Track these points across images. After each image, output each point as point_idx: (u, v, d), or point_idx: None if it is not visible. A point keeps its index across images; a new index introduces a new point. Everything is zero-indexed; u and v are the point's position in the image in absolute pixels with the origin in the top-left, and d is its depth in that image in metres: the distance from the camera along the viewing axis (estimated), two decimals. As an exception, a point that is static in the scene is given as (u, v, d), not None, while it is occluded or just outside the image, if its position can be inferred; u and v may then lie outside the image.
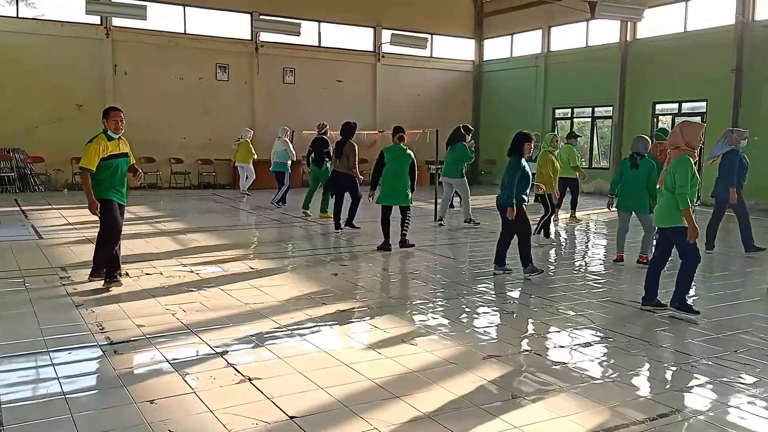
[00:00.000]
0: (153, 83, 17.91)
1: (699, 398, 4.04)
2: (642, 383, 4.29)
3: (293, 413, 3.62)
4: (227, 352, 4.66)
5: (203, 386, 4.01)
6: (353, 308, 5.97)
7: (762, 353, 4.84)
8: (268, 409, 3.68)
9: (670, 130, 11.70)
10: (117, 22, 17.34)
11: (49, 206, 13.48)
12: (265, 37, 19.41)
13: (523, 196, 7.30)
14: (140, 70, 17.84)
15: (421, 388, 4.04)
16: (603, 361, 4.69)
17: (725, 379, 4.31)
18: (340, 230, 10.60)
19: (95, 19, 17.12)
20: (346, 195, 10.81)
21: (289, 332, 5.18)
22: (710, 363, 4.64)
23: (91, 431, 3.38)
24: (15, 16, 16.62)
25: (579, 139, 13.32)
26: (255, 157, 16.04)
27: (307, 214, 12.47)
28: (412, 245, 9.08)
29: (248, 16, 19.20)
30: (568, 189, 12.21)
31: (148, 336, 4.99)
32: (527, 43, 21.88)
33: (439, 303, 6.35)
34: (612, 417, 3.67)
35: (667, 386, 4.27)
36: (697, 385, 4.24)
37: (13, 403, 3.76)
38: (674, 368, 4.55)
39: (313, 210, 12.48)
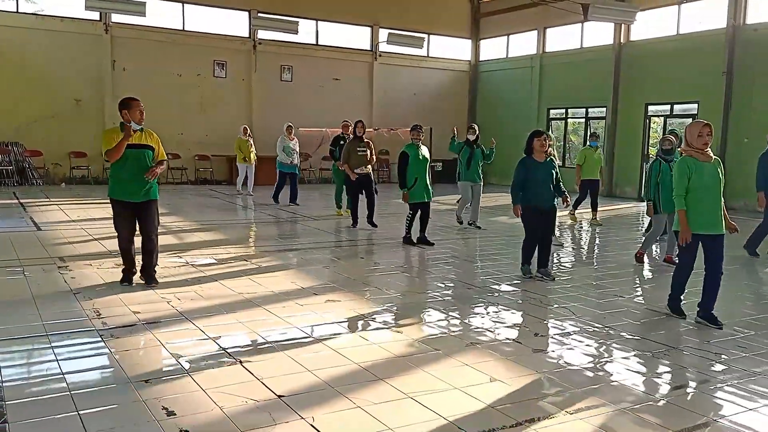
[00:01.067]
0: (151, 79, 18.04)
1: (667, 384, 4.24)
2: (614, 369, 4.47)
3: (281, 392, 3.81)
4: (220, 337, 4.85)
5: (196, 368, 4.20)
6: (342, 299, 6.15)
7: (734, 344, 5.04)
8: (257, 389, 3.86)
9: (665, 132, 11.82)
10: (116, 18, 17.50)
11: (47, 200, 13.65)
12: (262, 34, 19.59)
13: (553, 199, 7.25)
14: (138, 66, 17.99)
15: (405, 371, 4.23)
16: (579, 349, 4.89)
17: (695, 367, 4.51)
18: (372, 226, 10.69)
19: (94, 15, 17.29)
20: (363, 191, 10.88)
21: (280, 319, 5.36)
22: (684, 352, 4.85)
23: (89, 407, 3.55)
24: (15, 11, 16.76)
25: (597, 140, 12.68)
26: (251, 154, 15.64)
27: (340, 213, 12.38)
28: (412, 243, 9.17)
29: (246, 13, 19.37)
30: (588, 190, 12.29)
31: (143, 322, 5.17)
32: (523, 44, 22.08)
33: (428, 294, 6.55)
34: (582, 399, 3.86)
35: (639, 372, 4.45)
36: (666, 372, 4.44)
37: (14, 381, 3.94)
38: (648, 355, 4.74)
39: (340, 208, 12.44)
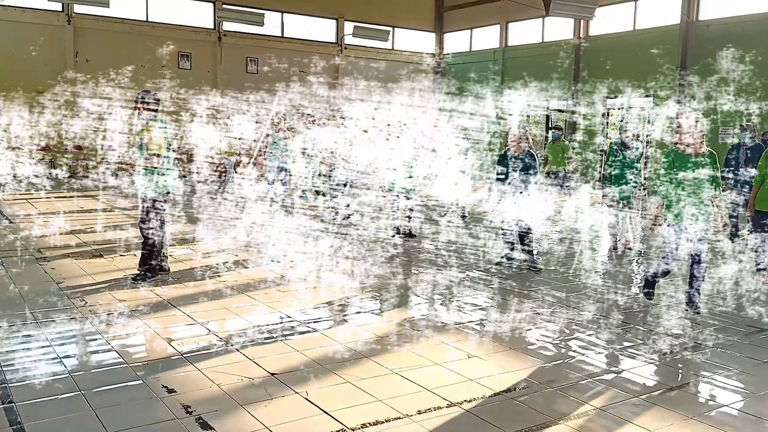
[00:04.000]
0: (115, 71, 17.84)
1: (628, 357, 4.61)
2: (578, 344, 4.82)
3: (274, 371, 4.04)
4: (208, 322, 5.05)
5: (190, 350, 4.40)
6: (322, 285, 6.38)
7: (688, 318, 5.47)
8: (250, 368, 4.09)
9: (620, 124, 12.32)
10: (79, 8, 17.26)
11: (14, 193, 13.47)
12: (228, 26, 19.54)
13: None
14: (102, 57, 17.77)
15: (387, 350, 4.51)
16: (546, 328, 5.23)
17: (654, 341, 4.91)
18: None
19: (57, 6, 17.02)
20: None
21: (264, 305, 5.58)
22: (643, 329, 5.24)
23: (91, 387, 3.73)
24: (-27, 0, 16.42)
25: (558, 132, 13.32)
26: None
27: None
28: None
29: (211, 5, 19.30)
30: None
31: (131, 310, 5.33)
32: (486, 38, 22.52)
33: (405, 280, 6.82)
34: (552, 371, 4.20)
35: (602, 346, 4.81)
36: (627, 346, 4.81)
37: (13, 365, 4.07)
38: (610, 332, 5.11)
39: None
